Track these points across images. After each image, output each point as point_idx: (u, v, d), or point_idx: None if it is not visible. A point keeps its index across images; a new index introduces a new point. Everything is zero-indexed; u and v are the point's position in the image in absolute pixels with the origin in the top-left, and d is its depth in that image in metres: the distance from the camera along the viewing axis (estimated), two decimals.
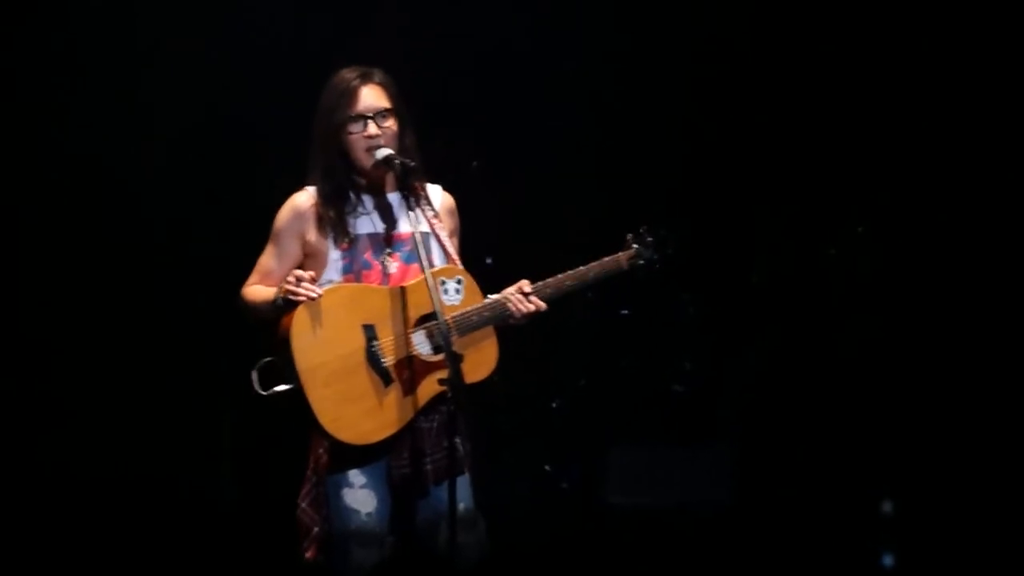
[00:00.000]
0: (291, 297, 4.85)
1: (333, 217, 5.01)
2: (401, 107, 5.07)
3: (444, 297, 4.95)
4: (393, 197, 5.07)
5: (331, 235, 5.01)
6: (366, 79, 5.04)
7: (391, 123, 5.02)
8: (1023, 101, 7.60)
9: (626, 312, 7.98)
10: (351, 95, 5.01)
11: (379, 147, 4.98)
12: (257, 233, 5.16)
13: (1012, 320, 7.56)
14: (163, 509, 7.16)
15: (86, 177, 7.21)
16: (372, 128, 4.99)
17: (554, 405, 7.95)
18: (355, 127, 5.00)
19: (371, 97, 5.02)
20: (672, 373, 7.98)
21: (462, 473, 4.94)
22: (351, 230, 5.02)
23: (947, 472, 7.37)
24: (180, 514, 7.16)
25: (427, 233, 5.04)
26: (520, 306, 5.02)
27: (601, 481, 7.59)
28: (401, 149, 5.02)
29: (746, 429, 7.78)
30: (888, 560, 7.00)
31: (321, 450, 4.96)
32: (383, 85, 5.06)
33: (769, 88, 7.95)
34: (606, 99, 7.92)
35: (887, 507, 7.28)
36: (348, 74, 5.06)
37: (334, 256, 5.01)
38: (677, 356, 8.00)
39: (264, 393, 4.86)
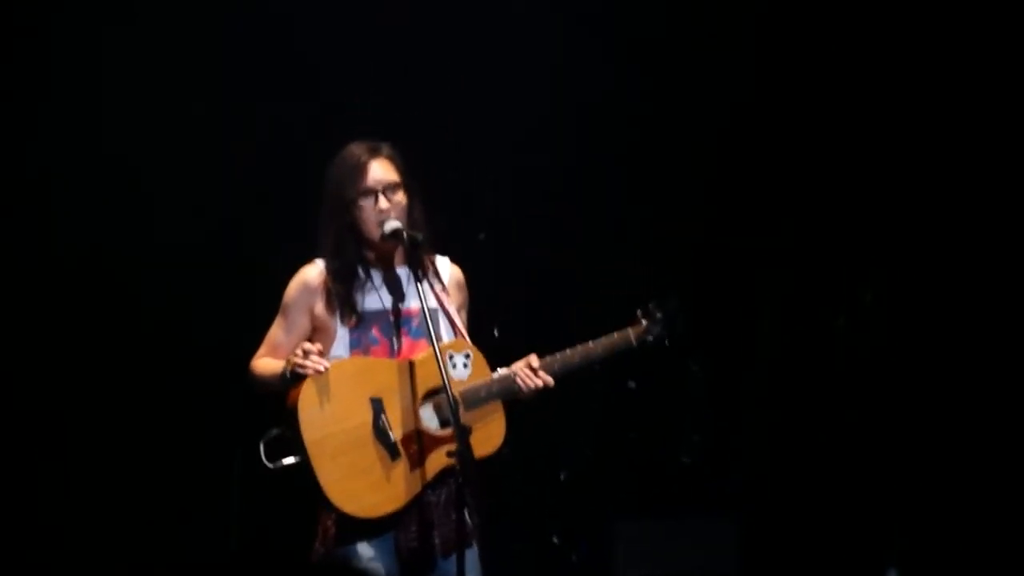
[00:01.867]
0: (299, 370, 4.84)
1: (342, 294, 5.00)
2: (409, 180, 5.07)
3: (452, 372, 4.93)
4: (402, 271, 5.06)
5: (339, 311, 5.00)
6: (375, 153, 5.05)
7: (400, 196, 5.02)
8: None
9: (633, 384, 7.96)
10: (360, 169, 5.01)
11: (389, 220, 4.98)
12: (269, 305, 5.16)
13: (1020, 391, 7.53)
14: None
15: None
16: (382, 202, 4.99)
17: (562, 477, 7.93)
18: (365, 201, 5.00)
19: (380, 171, 5.03)
20: (680, 445, 7.95)
21: (470, 546, 4.90)
22: (359, 307, 5.01)
23: (954, 545, 7.33)
24: None
25: (435, 308, 5.01)
26: (528, 381, 5.02)
27: (609, 554, 7.55)
28: (410, 222, 5.02)
29: (752, 501, 7.74)
30: None
31: (329, 522, 4.93)
32: (391, 159, 5.07)
33: (775, 152, 7.94)
34: (608, 171, 7.91)
35: None
36: (356, 149, 5.06)
37: (342, 332, 5.00)
38: (685, 427, 7.97)
39: (271, 466, 4.84)
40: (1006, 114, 7.54)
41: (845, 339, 7.84)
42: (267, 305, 5.17)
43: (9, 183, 7.03)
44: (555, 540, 7.73)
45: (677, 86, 7.83)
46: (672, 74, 7.81)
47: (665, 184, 7.96)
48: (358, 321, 4.99)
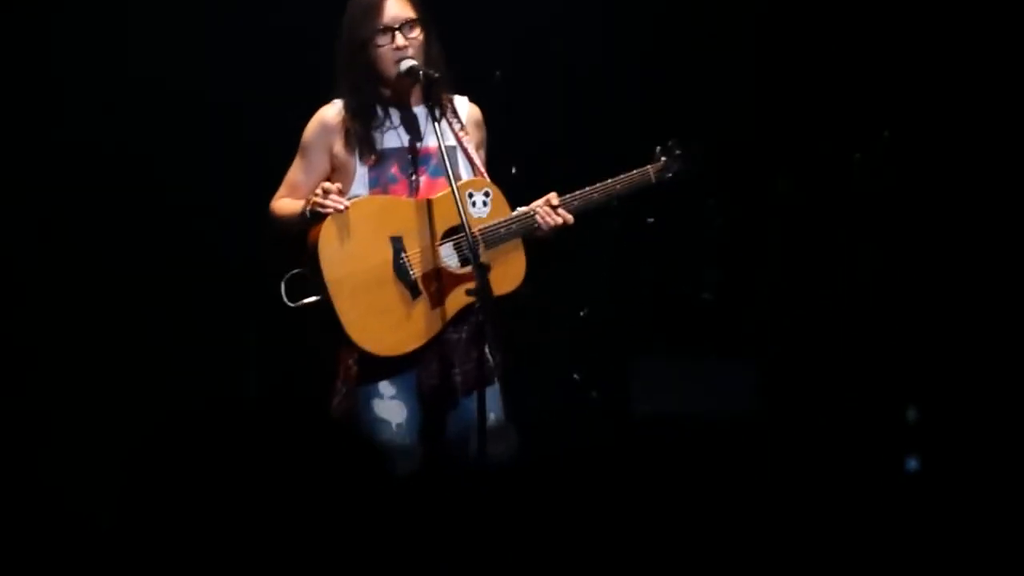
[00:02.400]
0: (319, 210, 4.83)
1: (360, 132, 4.97)
2: (426, 17, 5.02)
3: (472, 210, 4.94)
4: (419, 110, 5.03)
5: (358, 150, 4.97)
6: None
7: (417, 33, 4.97)
8: None
9: (652, 220, 7.96)
10: (376, 8, 4.96)
11: (406, 58, 4.93)
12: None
13: None
14: (186, 418, 7.16)
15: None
16: (400, 39, 4.94)
17: (582, 314, 7.95)
18: (382, 40, 4.94)
19: (396, 8, 4.97)
20: (699, 282, 7.97)
21: (492, 384, 4.94)
22: (378, 145, 4.98)
23: (971, 379, 7.36)
24: (204, 424, 7.16)
25: (453, 146, 5.00)
26: (548, 218, 5.00)
27: (627, 391, 7.60)
28: (428, 60, 4.97)
29: (771, 340, 7.78)
30: (912, 464, 7.00)
31: (351, 361, 4.95)
32: None
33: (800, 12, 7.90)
34: (632, 17, 7.85)
35: (912, 414, 7.27)
36: None
37: (361, 171, 4.98)
38: (704, 265, 7.98)
39: (292, 305, 4.85)
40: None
41: (862, 182, 7.83)
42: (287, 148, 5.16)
43: None
44: (575, 377, 7.79)
45: None
46: None
47: (686, 31, 7.92)
48: (377, 159, 4.96)
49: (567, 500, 5.56)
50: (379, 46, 4.94)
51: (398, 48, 4.93)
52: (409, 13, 4.97)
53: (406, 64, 4.92)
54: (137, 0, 7.05)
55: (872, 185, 7.77)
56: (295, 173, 5.06)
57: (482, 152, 5.15)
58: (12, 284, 7.07)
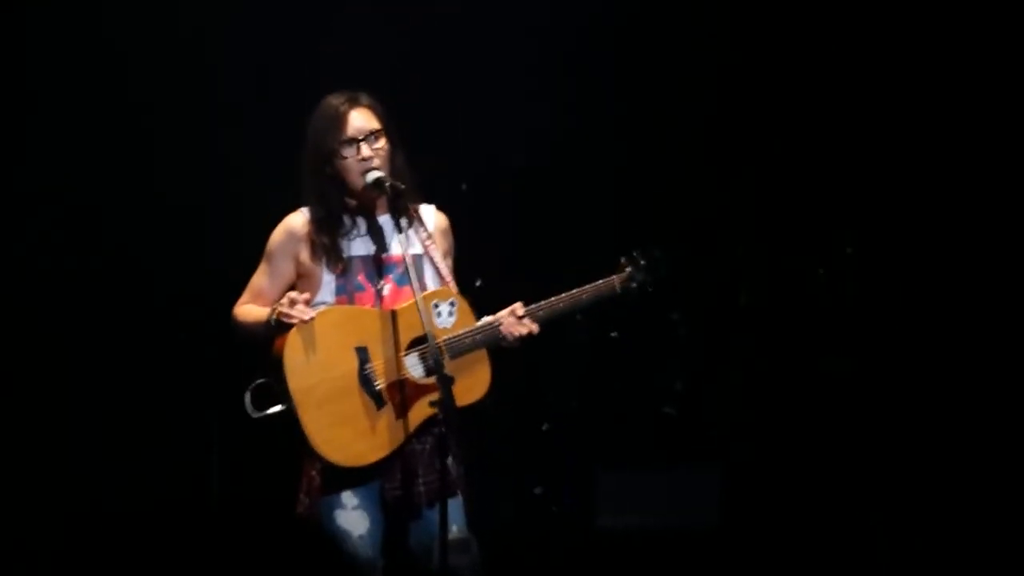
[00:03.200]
0: (284, 319, 4.81)
1: (327, 242, 4.98)
2: (391, 127, 5.04)
3: (437, 320, 4.93)
4: (384, 219, 5.04)
5: (324, 259, 4.98)
6: (354, 103, 5.01)
7: (382, 144, 4.99)
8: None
9: (616, 335, 7.98)
10: (340, 119, 4.97)
11: (372, 169, 4.94)
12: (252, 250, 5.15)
13: (998, 340, 7.55)
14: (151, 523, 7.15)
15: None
16: (365, 150, 4.95)
17: (544, 428, 7.95)
18: (347, 151, 4.96)
19: (360, 120, 4.99)
20: (663, 395, 7.98)
21: (454, 495, 4.91)
22: (344, 253, 4.99)
23: (936, 486, 7.37)
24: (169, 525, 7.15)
25: (419, 255, 5.01)
26: (513, 329, 4.99)
27: (591, 504, 7.58)
28: (393, 170, 4.98)
29: (733, 450, 7.78)
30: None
31: (314, 472, 4.93)
32: (371, 107, 5.03)
33: (757, 108, 7.94)
34: (593, 124, 7.90)
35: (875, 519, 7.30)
36: (335, 99, 5.02)
37: (327, 279, 4.98)
38: (668, 377, 8.00)
39: (257, 415, 4.83)
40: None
41: (825, 289, 7.87)
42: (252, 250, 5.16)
43: None
44: (537, 491, 7.77)
45: (663, 39, 7.85)
46: (659, 28, 7.84)
47: (650, 138, 7.97)
48: (344, 268, 4.97)
49: None
50: (344, 157, 4.96)
51: (363, 159, 4.94)
52: (374, 124, 4.99)
53: (372, 175, 4.92)
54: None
55: (835, 299, 7.82)
56: (260, 279, 5.05)
57: (449, 260, 5.15)
58: None
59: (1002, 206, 7.59)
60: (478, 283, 6.76)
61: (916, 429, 7.58)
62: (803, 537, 7.33)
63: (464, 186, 7.58)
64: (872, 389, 7.68)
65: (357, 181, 4.95)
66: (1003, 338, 7.53)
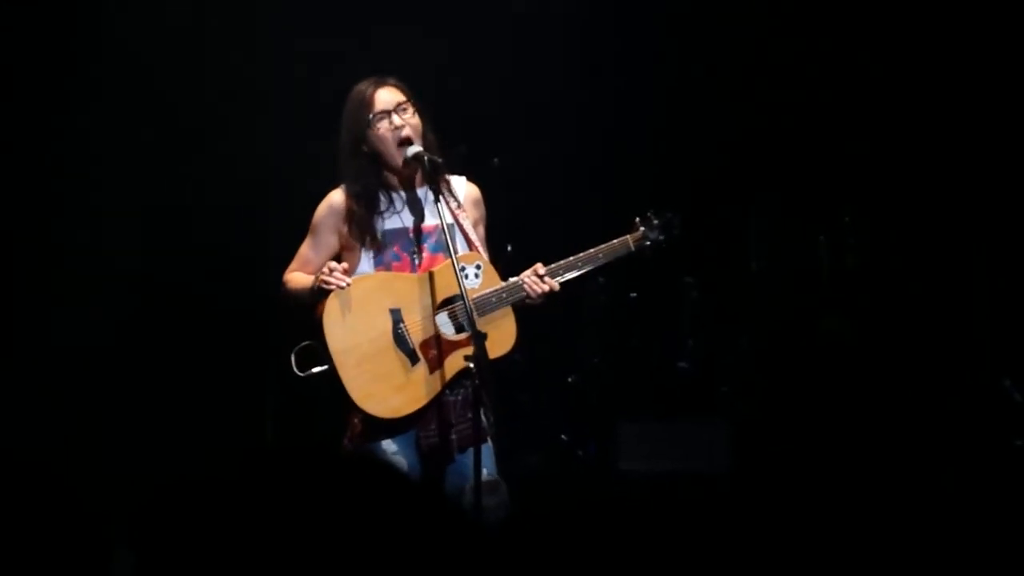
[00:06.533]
0: (324, 286, 4.95)
1: (362, 220, 5.08)
2: (418, 103, 5.13)
3: (465, 281, 4.97)
4: (422, 192, 5.13)
5: (359, 235, 5.09)
6: (380, 83, 5.11)
7: (412, 115, 5.08)
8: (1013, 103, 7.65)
9: (634, 295, 8.07)
10: (369, 98, 5.07)
11: (407, 137, 5.04)
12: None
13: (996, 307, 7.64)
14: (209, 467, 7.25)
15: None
16: (396, 120, 5.05)
17: (570, 380, 8.08)
18: (380, 124, 5.05)
19: (388, 95, 5.08)
20: (677, 351, 8.09)
21: (485, 442, 4.98)
22: (379, 231, 5.08)
23: (932, 457, 7.45)
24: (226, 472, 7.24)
25: (451, 224, 5.08)
26: (535, 287, 5.08)
27: (613, 450, 7.70)
28: (425, 144, 5.08)
29: (743, 405, 7.88)
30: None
31: (356, 420, 5.05)
32: (397, 85, 5.12)
33: (768, 88, 8.03)
34: (613, 98, 8.01)
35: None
36: (362, 84, 5.13)
37: (366, 252, 5.11)
38: (681, 336, 8.11)
39: (301, 374, 4.97)
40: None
41: (828, 254, 7.95)
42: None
43: None
44: (563, 437, 7.93)
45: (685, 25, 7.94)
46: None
47: (665, 113, 8.07)
48: (378, 243, 5.08)
49: (555, 551, 5.66)
50: (378, 129, 5.05)
51: (396, 128, 5.04)
52: (401, 97, 5.08)
53: (412, 150, 5.01)
54: None
55: (836, 263, 7.90)
56: (306, 249, 5.18)
57: (481, 228, 5.24)
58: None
59: (994, 180, 7.66)
60: (509, 248, 6.96)
61: (909, 386, 7.66)
62: (806, 481, 7.37)
63: (496, 160, 7.71)
64: (869, 347, 7.78)
65: (394, 153, 5.04)
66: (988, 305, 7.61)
